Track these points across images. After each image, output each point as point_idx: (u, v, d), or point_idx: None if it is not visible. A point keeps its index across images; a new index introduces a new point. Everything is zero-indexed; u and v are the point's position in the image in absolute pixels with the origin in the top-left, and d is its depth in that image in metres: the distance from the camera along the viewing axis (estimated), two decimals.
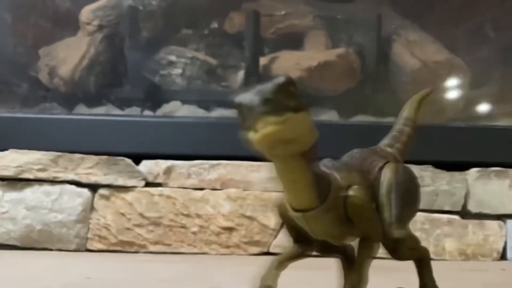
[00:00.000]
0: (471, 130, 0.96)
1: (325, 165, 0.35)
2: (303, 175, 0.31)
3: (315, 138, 0.31)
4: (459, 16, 1.18)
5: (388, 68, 1.17)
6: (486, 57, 1.16)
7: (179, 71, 1.19)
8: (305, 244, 0.37)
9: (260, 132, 0.28)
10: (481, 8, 1.18)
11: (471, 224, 0.89)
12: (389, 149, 0.42)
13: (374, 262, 0.40)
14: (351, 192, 0.34)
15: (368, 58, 1.16)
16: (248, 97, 0.29)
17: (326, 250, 0.39)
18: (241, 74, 1.18)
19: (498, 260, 0.87)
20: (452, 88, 1.16)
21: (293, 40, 1.20)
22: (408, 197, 0.37)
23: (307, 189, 0.32)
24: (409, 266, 0.41)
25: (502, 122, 1.08)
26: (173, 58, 1.20)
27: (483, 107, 1.16)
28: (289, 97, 0.29)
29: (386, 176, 0.37)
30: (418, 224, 0.86)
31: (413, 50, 1.15)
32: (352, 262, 0.42)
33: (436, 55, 1.15)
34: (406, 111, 0.45)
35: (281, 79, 0.29)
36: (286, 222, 0.37)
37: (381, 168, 0.37)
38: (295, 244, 0.38)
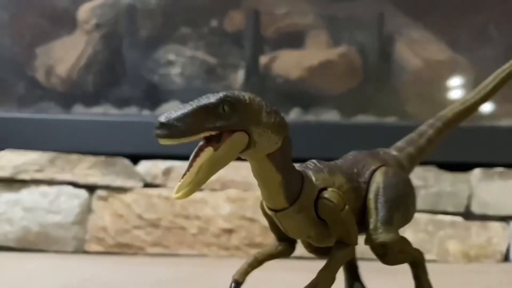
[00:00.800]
0: (474, 130, 0.95)
1: (306, 166, 0.36)
2: (271, 176, 0.32)
3: (265, 149, 0.32)
4: (462, 15, 1.17)
5: (390, 67, 1.16)
6: (489, 56, 1.15)
7: (178, 70, 1.18)
8: (287, 244, 0.38)
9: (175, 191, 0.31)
10: (484, 7, 1.17)
11: (475, 225, 0.88)
12: (394, 153, 0.41)
13: (375, 264, 0.39)
14: (323, 195, 0.34)
15: (370, 57, 1.15)
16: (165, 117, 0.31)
17: (324, 253, 0.39)
18: (241, 73, 1.17)
19: (502, 262, 0.86)
20: (455, 88, 1.15)
21: (294, 39, 1.19)
22: (398, 201, 0.37)
23: (276, 189, 0.33)
24: (406, 268, 0.40)
25: (506, 122, 1.07)
26: (172, 57, 1.19)
27: (487, 107, 1.15)
28: (214, 117, 0.30)
29: (375, 180, 0.37)
30: (422, 226, 0.85)
31: (415, 49, 1.14)
32: (353, 265, 0.42)
33: (439, 54, 1.14)
34: (445, 110, 0.44)
35: (203, 100, 0.31)
36: (269, 220, 0.37)
37: (373, 171, 0.37)
38: (278, 243, 0.38)
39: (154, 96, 1.13)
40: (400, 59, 1.15)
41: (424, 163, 0.89)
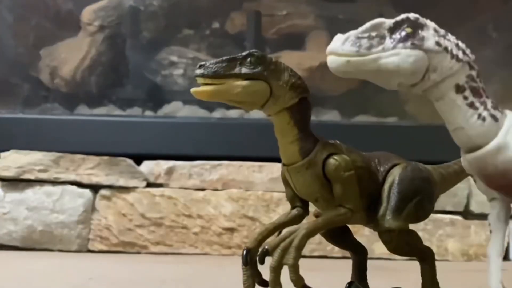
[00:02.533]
0: None
1: (327, 140, 0.39)
2: (288, 129, 0.37)
3: (283, 103, 0.37)
4: (461, 16, 1.18)
5: None
6: (488, 57, 1.16)
7: (181, 71, 1.19)
8: (300, 210, 0.39)
9: (193, 89, 0.37)
10: (483, 8, 1.18)
11: (474, 224, 0.88)
12: (429, 167, 0.42)
13: (374, 262, 0.40)
14: (332, 155, 0.37)
15: None
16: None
17: (336, 239, 0.41)
18: None
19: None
20: None
21: (295, 40, 1.20)
22: (411, 194, 0.38)
23: (291, 142, 0.37)
24: (407, 267, 0.41)
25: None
26: (174, 58, 1.20)
27: None
28: (239, 66, 0.37)
29: (393, 172, 0.39)
30: (421, 224, 0.86)
31: None
32: (363, 265, 0.43)
33: None
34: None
35: (235, 55, 0.37)
36: (285, 184, 0.40)
37: (394, 165, 0.39)
38: (291, 211, 0.40)
39: (156, 97, 1.14)
40: None
41: (423, 162, 0.91)
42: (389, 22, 0.34)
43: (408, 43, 0.33)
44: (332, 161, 0.37)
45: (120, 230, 0.88)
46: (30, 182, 0.88)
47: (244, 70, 0.37)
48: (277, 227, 0.39)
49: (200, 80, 0.36)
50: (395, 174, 0.38)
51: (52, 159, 0.89)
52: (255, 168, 0.89)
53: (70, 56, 1.16)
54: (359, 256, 0.43)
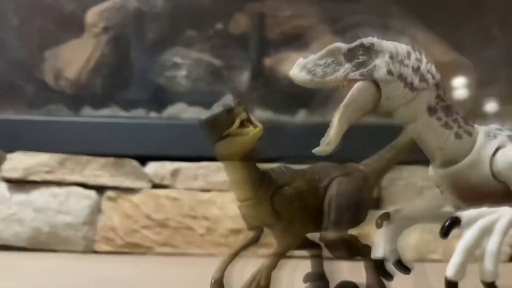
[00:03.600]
0: None
1: (272, 170, 0.43)
2: (240, 173, 0.41)
3: (245, 150, 0.41)
4: (466, 17, 1.18)
5: None
6: (493, 57, 1.16)
7: (184, 72, 1.19)
8: (256, 232, 0.44)
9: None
10: (488, 8, 1.18)
11: None
12: (361, 167, 0.47)
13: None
14: (279, 190, 0.41)
15: None
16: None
17: (303, 246, 0.45)
18: (246, 75, 1.19)
19: (507, 262, 0.87)
20: (459, 89, 1.16)
21: (299, 41, 1.21)
22: (348, 206, 0.43)
23: (242, 185, 0.41)
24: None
25: (510, 123, 1.08)
26: (178, 59, 1.20)
27: (490, 108, 1.16)
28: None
29: (331, 188, 0.43)
30: (427, 226, 0.86)
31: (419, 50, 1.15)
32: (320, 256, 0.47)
33: (443, 56, 1.15)
34: (398, 138, 0.49)
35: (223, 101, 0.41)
36: (241, 212, 0.44)
37: (332, 179, 0.44)
38: (248, 233, 0.44)
39: (160, 98, 1.15)
40: None
41: (420, 161, 0.91)
42: (344, 48, 0.34)
43: (358, 73, 0.33)
44: (278, 196, 0.41)
45: (126, 231, 0.88)
46: (36, 184, 0.89)
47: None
48: (238, 251, 0.44)
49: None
50: (333, 190, 0.43)
51: (58, 160, 0.89)
52: None
53: (74, 58, 1.17)
54: (315, 252, 0.47)
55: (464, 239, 0.33)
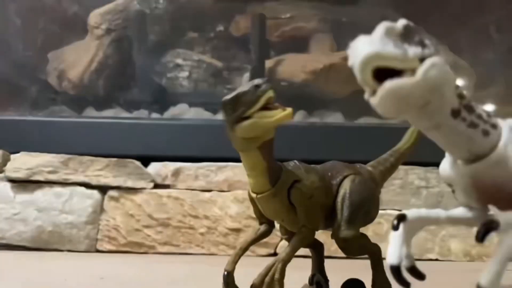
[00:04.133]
0: None
1: (288, 163, 0.43)
2: (258, 165, 0.40)
3: (267, 137, 0.40)
4: (463, 18, 1.19)
5: None
6: (490, 58, 1.17)
7: (186, 73, 1.20)
8: (267, 226, 0.45)
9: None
10: (485, 10, 1.19)
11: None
12: (369, 168, 0.48)
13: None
14: (296, 184, 0.42)
15: None
16: None
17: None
18: (246, 76, 1.20)
19: None
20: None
21: (299, 43, 1.22)
22: (360, 205, 0.43)
23: (260, 176, 0.41)
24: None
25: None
26: (179, 61, 1.21)
27: (488, 108, 1.17)
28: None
29: (344, 185, 0.44)
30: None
31: None
32: (321, 256, 0.49)
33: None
34: (400, 143, 0.50)
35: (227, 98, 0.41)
36: (253, 205, 0.44)
37: (344, 177, 0.44)
38: (258, 227, 0.45)
39: (162, 99, 1.16)
40: None
41: (426, 164, 0.92)
42: (400, 25, 0.29)
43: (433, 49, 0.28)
44: (295, 190, 0.41)
45: (128, 231, 0.89)
46: (39, 184, 0.90)
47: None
48: (249, 244, 0.45)
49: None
50: (346, 187, 0.43)
51: (61, 160, 0.90)
52: None
53: (77, 59, 1.18)
54: (317, 250, 0.49)
55: (502, 245, 0.30)
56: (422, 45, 0.29)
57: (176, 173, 0.91)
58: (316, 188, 0.42)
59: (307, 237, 0.42)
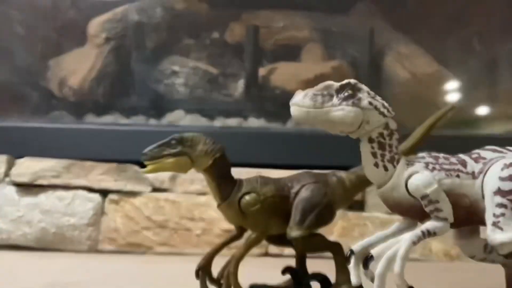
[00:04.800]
0: (458, 138, 1.01)
1: (249, 179, 0.50)
2: (210, 184, 0.50)
3: (200, 168, 0.49)
4: (448, 30, 1.24)
5: (381, 79, 1.23)
6: (474, 68, 1.22)
7: (182, 80, 1.23)
8: (239, 230, 0.52)
9: (143, 170, 0.50)
10: (468, 22, 1.24)
11: None
12: (343, 175, 0.53)
13: None
14: (244, 197, 0.49)
15: (361, 70, 1.21)
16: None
17: (276, 242, 0.52)
18: (241, 82, 1.23)
19: None
20: (442, 98, 1.22)
21: (291, 52, 1.25)
22: (311, 209, 0.49)
23: (214, 191, 0.50)
24: (420, 267, 0.46)
25: (489, 130, 1.14)
26: (176, 68, 1.24)
27: (472, 116, 1.22)
28: (167, 149, 0.49)
29: (300, 193, 0.50)
30: None
31: (403, 62, 1.20)
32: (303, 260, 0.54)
33: (426, 67, 1.21)
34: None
35: (166, 139, 0.49)
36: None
37: (302, 186, 0.50)
38: (239, 233, 0.52)
39: (159, 106, 1.20)
40: (389, 71, 1.21)
41: None
42: (336, 84, 0.43)
43: (350, 102, 0.42)
44: (243, 201, 0.49)
45: (128, 232, 0.93)
46: (43, 187, 0.94)
47: (171, 151, 0.49)
48: (221, 246, 0.52)
49: (146, 163, 0.50)
50: (300, 194, 0.50)
51: (64, 165, 0.94)
52: (253, 173, 0.94)
53: (78, 67, 1.21)
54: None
55: (378, 268, 0.42)
56: (347, 97, 0.42)
57: (173, 177, 0.95)
58: (268, 197, 0.49)
59: (258, 239, 0.50)
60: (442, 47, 1.22)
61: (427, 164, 0.44)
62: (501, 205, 0.42)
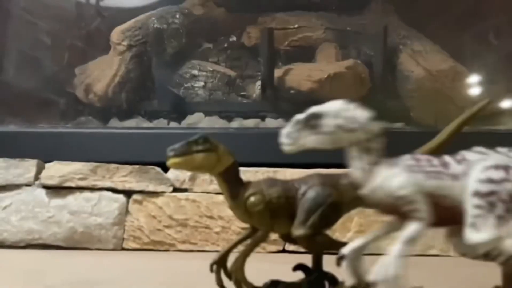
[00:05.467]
0: (473, 134, 1.01)
1: (258, 181, 0.53)
2: (222, 186, 0.52)
3: (222, 167, 0.51)
4: (463, 26, 1.23)
5: (395, 77, 1.23)
6: (489, 64, 1.21)
7: (201, 83, 1.27)
8: (252, 228, 0.54)
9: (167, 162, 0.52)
10: (484, 17, 1.23)
11: None
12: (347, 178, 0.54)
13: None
14: (250, 197, 0.51)
15: (376, 68, 1.21)
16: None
17: (290, 240, 0.54)
18: (258, 84, 1.25)
19: None
20: (457, 95, 1.21)
21: (306, 53, 1.27)
22: (315, 208, 0.51)
23: (225, 193, 0.52)
24: (427, 266, 0.47)
25: (508, 126, 1.13)
26: (195, 71, 1.28)
27: (489, 111, 1.21)
28: (195, 146, 0.51)
29: (306, 194, 0.52)
30: None
31: (418, 59, 1.20)
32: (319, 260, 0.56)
33: (440, 64, 1.20)
34: (423, 147, 0.55)
35: (193, 137, 0.52)
36: None
37: (309, 187, 0.52)
38: (253, 231, 0.54)
39: (180, 109, 1.23)
40: (404, 69, 1.21)
41: None
42: (301, 117, 0.45)
43: (314, 131, 0.45)
44: (249, 201, 0.51)
45: (151, 230, 0.97)
46: (71, 189, 0.98)
47: (199, 147, 0.51)
48: (236, 243, 0.55)
49: (173, 159, 0.52)
50: (306, 195, 0.51)
51: (90, 168, 0.99)
52: (270, 173, 0.97)
53: (102, 74, 1.26)
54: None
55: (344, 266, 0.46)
56: (313, 125, 0.45)
57: (193, 178, 0.98)
58: (276, 197, 0.51)
59: (264, 237, 0.52)
60: (457, 42, 1.21)
61: (406, 167, 0.45)
62: (478, 207, 0.43)
